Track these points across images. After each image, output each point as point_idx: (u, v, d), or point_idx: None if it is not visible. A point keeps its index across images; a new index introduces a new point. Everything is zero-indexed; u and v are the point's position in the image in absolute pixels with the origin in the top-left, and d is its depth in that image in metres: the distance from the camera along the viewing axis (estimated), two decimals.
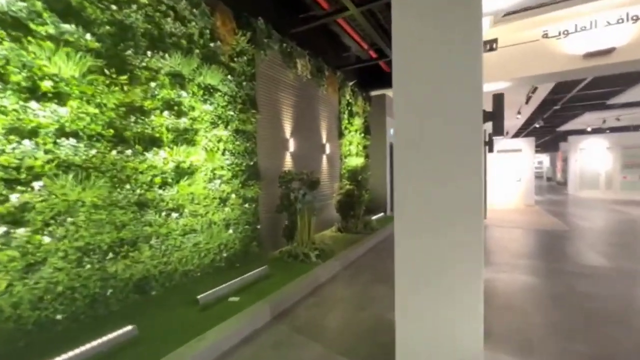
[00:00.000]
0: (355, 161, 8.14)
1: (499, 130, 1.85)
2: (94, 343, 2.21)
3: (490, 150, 5.53)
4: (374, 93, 8.99)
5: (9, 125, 2.27)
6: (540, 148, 25.69)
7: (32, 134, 2.39)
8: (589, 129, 15.03)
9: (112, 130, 2.89)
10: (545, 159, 30.69)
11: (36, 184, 2.40)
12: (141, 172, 3.16)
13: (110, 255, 2.88)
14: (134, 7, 3.05)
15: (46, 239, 2.45)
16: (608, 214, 9.55)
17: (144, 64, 3.16)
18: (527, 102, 9.15)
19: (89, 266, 2.72)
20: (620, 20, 3.24)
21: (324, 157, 6.82)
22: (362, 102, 8.61)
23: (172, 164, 3.46)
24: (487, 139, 5.78)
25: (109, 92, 2.84)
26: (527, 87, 7.06)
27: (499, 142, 12.32)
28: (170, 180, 3.44)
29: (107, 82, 2.84)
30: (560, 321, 2.89)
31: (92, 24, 2.75)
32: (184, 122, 3.58)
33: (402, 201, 1.96)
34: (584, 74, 4.01)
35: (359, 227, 6.59)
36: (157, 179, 3.31)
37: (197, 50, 3.75)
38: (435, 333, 1.92)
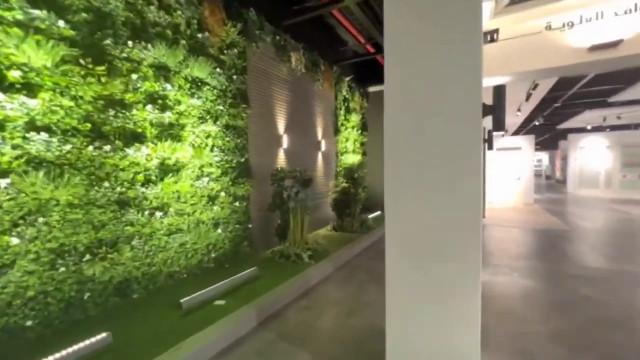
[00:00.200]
0: (352, 158, 7.99)
1: (499, 125, 1.70)
2: (64, 352, 2.06)
3: (490, 147, 5.40)
4: (371, 89, 8.81)
5: None
6: (540, 146, 25.57)
7: None
8: (589, 127, 14.88)
9: (89, 125, 2.72)
10: (544, 157, 30.57)
11: (3, 182, 2.23)
12: (122, 169, 2.99)
13: (88, 256, 2.72)
14: None
15: (14, 240, 2.29)
16: (608, 213, 9.44)
17: (124, 55, 2.98)
18: (527, 99, 8.99)
19: (63, 269, 2.57)
20: (628, 11, 3.08)
21: (320, 154, 6.66)
22: (359, 98, 8.44)
23: (156, 161, 3.29)
24: (486, 136, 5.63)
25: (85, 84, 2.67)
26: (528, 83, 6.90)
27: (498, 140, 12.17)
28: (154, 177, 3.27)
29: (83, 73, 2.66)
30: (562, 329, 2.75)
31: (66, 10, 2.57)
32: (169, 116, 3.41)
33: (393, 203, 1.80)
34: (589, 69, 3.84)
35: (355, 225, 6.44)
36: (140, 177, 3.14)
37: (183, 42, 3.57)
38: (428, 340, 1.77)
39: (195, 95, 3.75)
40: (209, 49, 3.92)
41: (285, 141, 5.37)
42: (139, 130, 3.13)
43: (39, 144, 2.41)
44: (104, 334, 2.28)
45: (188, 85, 3.65)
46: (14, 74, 2.29)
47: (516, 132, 17.71)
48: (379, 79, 8.30)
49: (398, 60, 1.74)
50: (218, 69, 4.04)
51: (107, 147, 2.85)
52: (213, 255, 4.01)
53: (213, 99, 3.99)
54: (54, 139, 2.50)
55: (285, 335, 2.70)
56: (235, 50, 4.31)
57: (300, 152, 5.93)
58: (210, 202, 3.96)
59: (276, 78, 5.26)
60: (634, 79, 8.28)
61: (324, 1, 4.95)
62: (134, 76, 3.06)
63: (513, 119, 12.26)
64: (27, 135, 2.35)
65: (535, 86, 7.61)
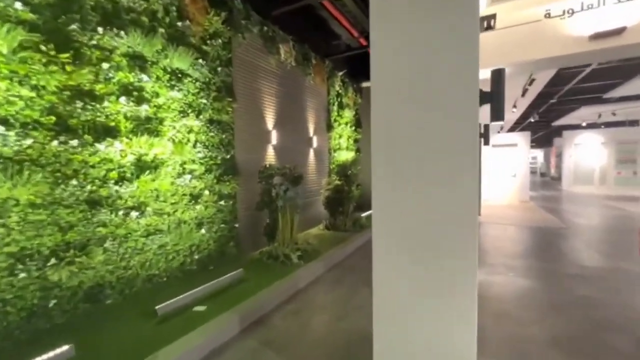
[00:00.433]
0: (345, 155, 7.80)
1: (498, 114, 1.52)
2: None
3: (486, 142, 5.24)
4: (365, 84, 8.61)
5: None
6: (535, 143, 25.59)
7: None
8: (584, 124, 14.84)
9: (53, 117, 2.50)
10: (539, 154, 30.66)
11: None
12: (92, 166, 2.77)
13: (53, 261, 2.50)
14: None
15: None
16: (603, 210, 9.37)
17: (93, 42, 2.75)
18: (523, 95, 8.85)
19: (24, 274, 2.35)
20: None
21: (311, 151, 6.46)
22: (353, 94, 8.25)
23: (131, 157, 3.07)
24: (482, 131, 5.47)
25: (47, 73, 2.44)
26: (525, 78, 6.75)
27: (494, 137, 12.06)
28: (129, 175, 3.06)
29: (45, 60, 2.43)
30: (560, 331, 2.60)
31: None
32: (145, 109, 3.19)
33: (381, 205, 1.62)
34: (591, 58, 3.68)
35: (348, 224, 6.27)
36: (113, 174, 2.92)
37: (161, 30, 3.35)
38: (419, 345, 1.59)
39: (176, 88, 3.53)
40: (191, 38, 3.70)
41: (274, 137, 5.17)
42: (112, 124, 2.91)
43: None
44: (65, 347, 2.08)
45: (167, 77, 3.43)
46: None
47: (512, 129, 17.64)
48: None
49: (386, 47, 1.55)
50: (201, 60, 3.82)
51: (75, 142, 2.62)
52: (196, 256, 3.80)
53: (195, 91, 3.77)
54: (12, 133, 2.27)
55: (270, 342, 2.52)
56: (220, 41, 4.09)
57: (290, 148, 5.73)
58: (193, 201, 3.75)
59: (264, 71, 5.04)
60: (630, 74, 8.18)
61: None
62: (105, 65, 2.84)
63: (509, 115, 12.14)
64: None
65: (532, 81, 7.47)
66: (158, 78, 3.33)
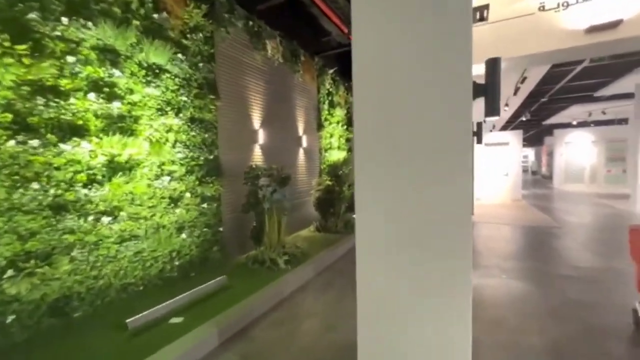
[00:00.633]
0: (337, 155, 7.64)
1: (494, 108, 1.36)
2: None
3: (479, 141, 5.13)
4: None
5: None
6: (526, 142, 25.81)
7: None
8: (574, 123, 14.94)
9: (9, 115, 2.28)
10: (530, 152, 30.96)
11: None
12: (57, 168, 2.55)
13: (10, 272, 2.28)
14: None
15: None
16: (595, 208, 9.39)
17: (57, 33, 2.53)
18: (515, 94, 8.80)
19: None
20: None
21: (301, 151, 6.28)
22: (344, 92, 8.09)
23: (102, 158, 2.86)
24: (475, 128, 5.35)
25: (0, 66, 2.22)
26: (517, 75, 6.67)
27: (486, 135, 12.04)
28: (100, 177, 2.84)
29: None
30: (556, 339, 2.47)
31: None
32: (118, 107, 2.98)
33: (365, 205, 1.45)
34: (586, 53, 3.58)
35: (339, 225, 6.11)
36: (81, 176, 2.71)
37: (136, 22, 3.13)
38: (408, 352, 1.43)
39: (152, 84, 3.31)
40: (169, 32, 3.49)
41: (261, 136, 4.97)
42: (79, 122, 2.69)
43: None
44: None
45: (143, 72, 3.22)
46: None
47: (504, 128, 17.70)
48: None
49: (369, 36, 1.39)
50: (180, 55, 3.61)
51: (35, 142, 2.40)
52: (177, 263, 3.59)
53: (175, 88, 3.56)
54: None
55: (250, 357, 2.34)
56: (201, 35, 3.88)
57: (279, 148, 5.54)
58: (173, 204, 3.54)
59: (251, 68, 4.84)
60: (620, 73, 8.19)
61: None
62: (71, 59, 2.62)
63: (501, 114, 12.13)
64: None
65: (524, 79, 7.40)
66: (132, 73, 3.12)
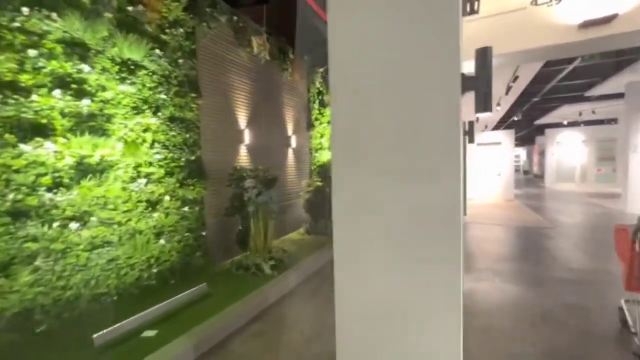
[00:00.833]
0: (327, 155, 7.48)
1: (485, 102, 1.22)
2: None
3: (471, 140, 5.03)
4: None
5: None
6: (518, 142, 26.02)
7: None
8: (565, 122, 15.05)
9: None
10: (522, 152, 31.23)
11: None
12: (16, 171, 2.35)
13: None
14: None
15: None
16: (585, 207, 9.40)
17: (15, 25, 2.33)
18: (507, 93, 8.77)
19: None
20: None
21: (290, 151, 6.11)
22: None
23: (69, 159, 2.66)
24: (466, 128, 5.24)
25: None
26: (509, 74, 6.61)
27: (478, 135, 12.02)
28: (67, 180, 2.64)
29: None
30: (552, 349, 2.35)
31: None
32: (87, 105, 2.78)
33: (343, 208, 1.30)
34: (580, 49, 3.49)
35: (329, 228, 5.93)
36: (45, 179, 2.51)
37: (108, 15, 2.94)
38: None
39: (127, 81, 3.12)
40: (145, 26, 3.30)
41: (247, 136, 4.80)
42: (43, 121, 2.49)
43: None
44: None
45: (116, 68, 3.02)
46: None
47: (495, 128, 17.77)
48: None
49: (345, 20, 1.24)
50: (158, 51, 3.42)
51: None
52: (155, 270, 3.40)
53: (152, 85, 3.37)
54: None
55: None
56: (182, 30, 3.69)
57: (266, 148, 5.36)
58: (151, 208, 3.35)
59: (236, 65, 4.66)
60: (610, 73, 8.20)
61: None
62: (33, 52, 2.42)
63: (493, 114, 12.13)
64: None
65: (515, 78, 7.35)
66: (104, 69, 2.93)
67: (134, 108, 3.19)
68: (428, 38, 1.14)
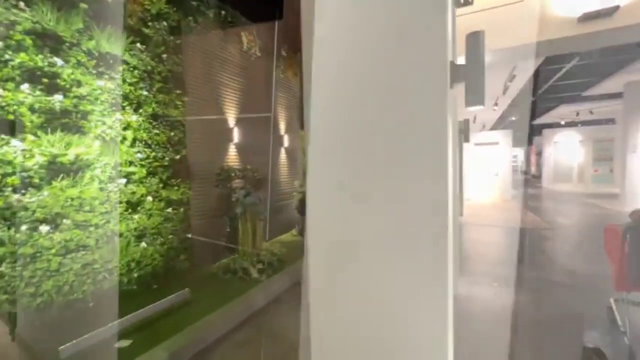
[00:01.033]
0: None
1: (477, 94, 1.09)
2: None
3: (466, 139, 4.91)
4: None
5: None
6: (515, 142, 26.00)
7: None
8: (562, 122, 14.98)
9: None
10: (519, 152, 31.22)
11: None
12: None
13: None
14: None
15: None
16: (583, 208, 9.31)
17: None
18: (504, 93, 8.65)
19: None
20: None
21: (282, 151, 5.97)
22: None
23: (39, 158, 2.50)
24: (461, 127, 5.11)
25: None
26: (506, 72, 6.48)
27: (476, 135, 11.91)
28: (37, 180, 2.49)
29: None
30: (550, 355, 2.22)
31: None
32: (60, 101, 2.62)
33: (318, 211, 1.16)
34: (580, 44, 3.35)
35: None
36: (12, 179, 2.35)
37: (84, 5, 2.78)
38: None
39: (105, 76, 2.97)
40: (125, 18, 3.14)
41: (237, 135, 4.65)
42: (9, 117, 2.34)
43: None
44: None
45: (93, 62, 2.87)
46: None
47: (493, 128, 17.70)
48: None
49: (324, 16, 1.10)
50: (139, 45, 3.26)
51: None
52: (136, 274, 3.24)
53: (133, 81, 3.22)
54: None
55: None
56: (165, 24, 3.54)
57: (256, 147, 5.21)
58: (131, 210, 3.20)
59: (224, 61, 4.51)
60: (607, 72, 8.11)
61: None
62: None
63: (490, 114, 12.03)
64: None
65: (512, 78, 7.23)
66: (79, 63, 2.77)
67: (113, 104, 3.03)
68: (411, 24, 1.00)
